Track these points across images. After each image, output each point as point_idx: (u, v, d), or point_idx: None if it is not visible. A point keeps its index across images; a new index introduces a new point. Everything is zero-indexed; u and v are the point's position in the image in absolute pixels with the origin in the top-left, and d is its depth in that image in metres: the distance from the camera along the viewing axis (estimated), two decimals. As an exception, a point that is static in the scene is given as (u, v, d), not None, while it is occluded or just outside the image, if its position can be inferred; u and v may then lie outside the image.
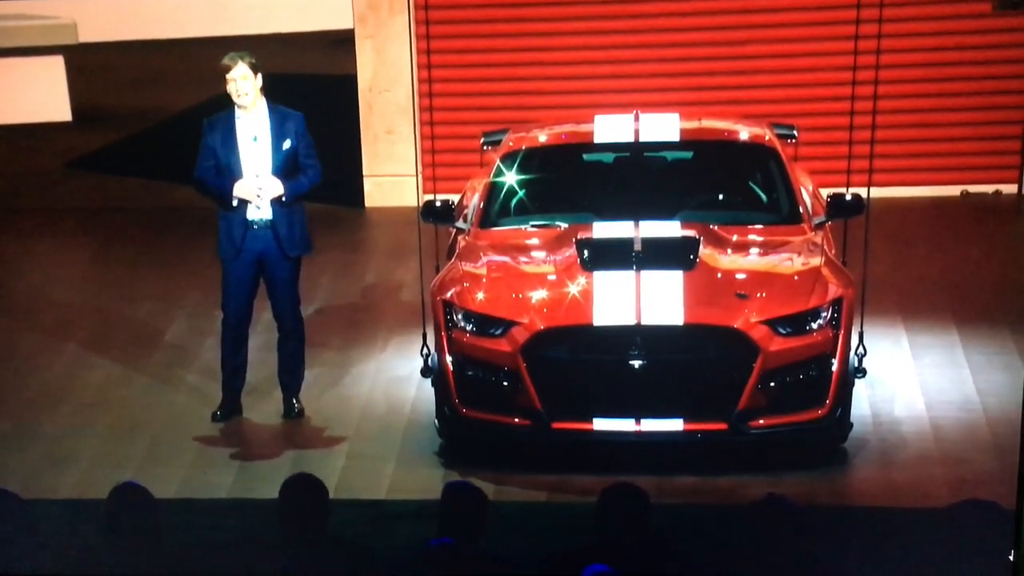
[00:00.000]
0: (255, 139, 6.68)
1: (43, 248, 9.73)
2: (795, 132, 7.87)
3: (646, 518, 4.72)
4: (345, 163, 9.78)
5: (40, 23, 12.82)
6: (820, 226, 6.99)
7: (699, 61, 9.87)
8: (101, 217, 10.30)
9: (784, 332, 6.27)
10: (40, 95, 12.48)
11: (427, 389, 6.75)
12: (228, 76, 6.59)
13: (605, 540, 4.70)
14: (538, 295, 6.42)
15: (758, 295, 6.36)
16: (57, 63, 12.64)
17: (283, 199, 6.65)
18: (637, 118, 7.37)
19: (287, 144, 6.69)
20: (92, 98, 13.13)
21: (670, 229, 6.74)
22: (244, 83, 6.59)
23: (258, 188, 6.61)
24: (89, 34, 13.29)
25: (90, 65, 13.58)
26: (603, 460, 6.17)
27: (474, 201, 7.31)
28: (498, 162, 7.27)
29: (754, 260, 6.68)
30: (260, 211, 6.67)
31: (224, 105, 6.76)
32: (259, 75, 6.64)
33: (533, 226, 7.02)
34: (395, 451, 6.63)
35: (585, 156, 7.52)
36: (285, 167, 6.69)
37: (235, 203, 6.65)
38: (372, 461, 6.55)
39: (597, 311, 6.27)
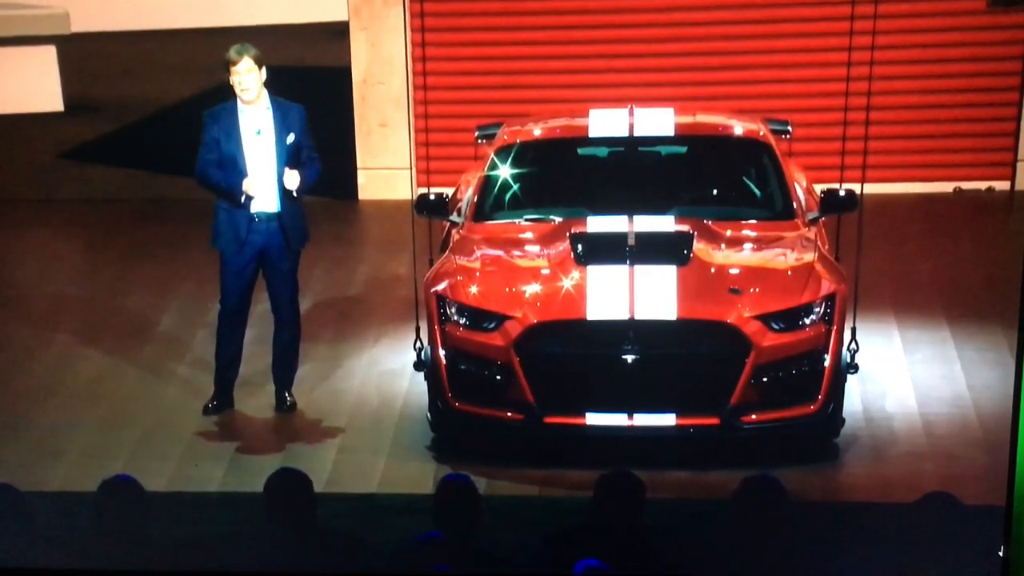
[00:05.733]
0: (259, 132, 6.63)
1: (35, 239, 9.69)
2: (789, 128, 7.85)
3: (641, 506, 4.74)
4: (338, 156, 9.74)
5: (32, 12, 12.74)
6: (814, 222, 7.00)
7: (694, 56, 9.84)
8: (93, 208, 10.26)
9: (777, 327, 6.28)
10: (32, 85, 12.41)
11: (419, 383, 6.73)
12: (232, 69, 6.54)
13: (602, 526, 4.73)
14: (531, 289, 6.41)
15: (751, 290, 6.36)
16: (49, 53, 12.57)
17: (295, 193, 6.61)
18: (632, 112, 7.35)
19: (291, 138, 6.64)
20: (84, 88, 13.04)
21: (664, 224, 6.73)
22: (248, 77, 6.54)
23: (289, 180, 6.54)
24: (82, 24, 13.21)
25: (83, 55, 13.50)
26: (595, 455, 6.16)
27: (468, 194, 7.28)
28: (492, 155, 7.24)
29: (747, 255, 6.67)
30: (266, 204, 6.64)
31: (223, 96, 6.71)
32: (263, 68, 6.59)
33: (527, 220, 7.01)
34: (387, 445, 6.62)
35: (579, 150, 7.49)
36: (290, 161, 6.64)
37: (243, 199, 6.60)
38: (364, 454, 6.55)
39: (590, 305, 6.26)
